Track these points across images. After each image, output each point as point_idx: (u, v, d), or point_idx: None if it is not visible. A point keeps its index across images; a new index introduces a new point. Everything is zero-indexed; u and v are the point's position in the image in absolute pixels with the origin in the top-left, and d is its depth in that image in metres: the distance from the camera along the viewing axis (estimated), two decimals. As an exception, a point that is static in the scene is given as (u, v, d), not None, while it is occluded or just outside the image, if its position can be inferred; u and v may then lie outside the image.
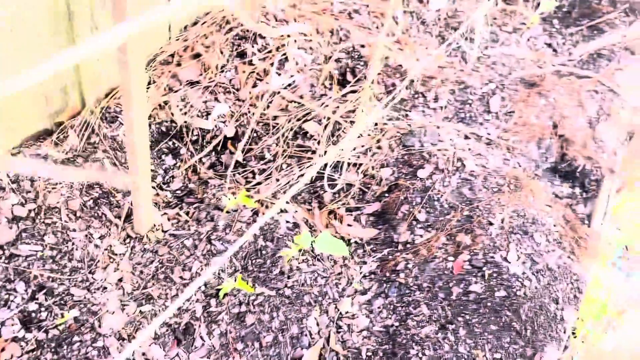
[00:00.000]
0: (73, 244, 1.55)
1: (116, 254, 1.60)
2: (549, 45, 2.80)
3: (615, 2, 2.91)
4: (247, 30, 2.15)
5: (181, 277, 1.58)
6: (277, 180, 1.93)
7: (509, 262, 1.62)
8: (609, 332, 2.03)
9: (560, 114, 2.13)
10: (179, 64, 2.06)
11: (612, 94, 2.47)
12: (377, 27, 2.59)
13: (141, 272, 1.58)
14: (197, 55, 2.08)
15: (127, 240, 1.64)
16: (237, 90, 2.07)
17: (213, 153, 2.00)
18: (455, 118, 2.07)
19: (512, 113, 2.09)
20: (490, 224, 1.71)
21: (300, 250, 1.67)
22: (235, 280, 1.54)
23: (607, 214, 2.09)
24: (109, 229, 1.64)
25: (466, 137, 2.02)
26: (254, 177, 1.96)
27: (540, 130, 2.09)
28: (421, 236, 1.76)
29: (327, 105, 2.06)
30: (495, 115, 2.08)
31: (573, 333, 1.89)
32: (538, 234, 1.72)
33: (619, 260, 2.47)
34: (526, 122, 2.07)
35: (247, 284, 1.56)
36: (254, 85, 2.09)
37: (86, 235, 1.59)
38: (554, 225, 1.81)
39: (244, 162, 1.99)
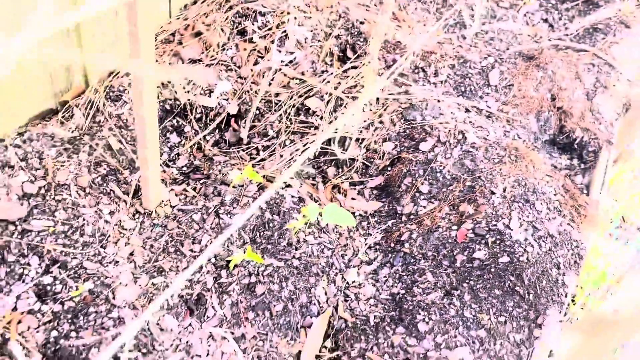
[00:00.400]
0: (84, 219, 1.57)
1: (126, 229, 1.62)
2: (545, 20, 2.82)
3: (611, -24, 2.92)
4: (248, 8, 2.16)
5: (191, 250, 1.61)
6: (281, 156, 1.96)
7: (512, 230, 1.66)
8: (608, 298, 2.09)
9: (558, 86, 2.16)
10: (180, 43, 2.07)
11: (608, 67, 2.50)
12: (375, 5, 2.60)
13: (151, 246, 1.61)
14: (198, 34, 2.09)
15: (137, 216, 1.67)
16: (239, 67, 2.08)
17: (217, 130, 2.02)
18: (455, 92, 2.09)
19: (511, 86, 2.11)
20: (493, 193, 1.75)
21: (306, 223, 1.70)
22: (244, 252, 1.57)
23: (604, 184, 2.13)
24: (118, 205, 1.66)
25: (467, 111, 2.05)
26: (258, 154, 1.98)
27: (539, 102, 2.12)
28: (424, 207, 1.80)
29: (328, 82, 2.08)
30: (494, 88, 2.10)
31: (572, 300, 1.94)
32: (539, 202, 1.76)
33: (617, 230, 2.52)
34: (525, 95, 2.09)
35: (257, 255, 1.59)
36: (256, 63, 2.11)
37: (96, 211, 1.61)
38: (554, 194, 1.85)
39: (248, 139, 2.02)
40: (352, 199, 1.92)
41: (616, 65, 2.50)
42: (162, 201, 1.70)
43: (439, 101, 2.04)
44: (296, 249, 1.67)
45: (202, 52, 2.07)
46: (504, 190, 1.77)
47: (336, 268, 1.70)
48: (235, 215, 1.68)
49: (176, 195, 1.75)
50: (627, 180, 2.54)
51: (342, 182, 1.96)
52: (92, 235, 1.57)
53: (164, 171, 1.83)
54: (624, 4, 2.82)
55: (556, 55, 2.26)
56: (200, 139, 1.97)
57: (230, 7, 2.18)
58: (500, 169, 1.81)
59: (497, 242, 1.64)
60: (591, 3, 2.87)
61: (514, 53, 2.25)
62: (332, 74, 2.10)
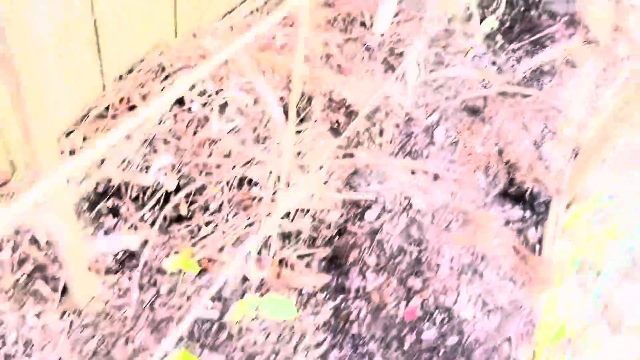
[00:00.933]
0: (5, 327, 1.47)
1: (53, 332, 1.52)
2: (494, 63, 2.82)
3: (555, 15, 2.95)
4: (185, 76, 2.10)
5: (124, 353, 1.51)
6: (224, 232, 1.88)
7: (460, 306, 1.61)
8: (568, 353, 2.05)
9: (504, 139, 2.14)
10: (114, 117, 1.99)
11: (556, 111, 2.50)
12: (321, 58, 2.56)
13: (81, 350, 1.51)
14: (132, 107, 2.01)
15: (65, 316, 1.57)
16: (178, 139, 2.01)
17: (156, 208, 1.94)
18: (401, 153, 2.05)
19: (456, 143, 2.09)
20: (440, 265, 1.70)
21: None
22: (180, 351, 1.49)
23: (556, 237, 2.10)
24: (45, 305, 1.56)
25: (413, 173, 2.01)
26: (199, 231, 1.91)
27: (486, 158, 2.10)
28: (373, 281, 1.74)
29: (270, 149, 2.02)
30: (440, 146, 2.07)
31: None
32: (488, 271, 1.72)
33: (576, 276, 2.50)
34: (471, 152, 2.07)
35: (193, 351, 1.51)
36: (195, 133, 2.04)
37: (20, 316, 1.51)
38: (504, 259, 1.81)
39: (189, 215, 1.94)
40: (300, 273, 1.85)
41: (563, 109, 2.51)
42: (93, 297, 1.61)
43: (384, 164, 2.00)
44: (238, 339, 1.59)
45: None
46: (452, 260, 1.72)
47: (282, 355, 1.62)
48: (172, 308, 1.59)
49: (109, 288, 1.65)
50: (583, 224, 2.53)
51: (289, 256, 1.89)
52: (15, 343, 1.46)
53: (97, 260, 1.74)
54: (570, 42, 2.84)
55: (502, 106, 2.25)
56: (138, 220, 1.88)
57: (167, 76, 2.11)
58: (447, 237, 1.76)
59: (446, 320, 1.59)
60: (538, 43, 2.88)
61: (460, 106, 2.23)
62: (273, 141, 2.04)
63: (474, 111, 2.19)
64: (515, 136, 2.18)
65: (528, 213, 2.16)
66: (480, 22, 3.01)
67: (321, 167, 1.99)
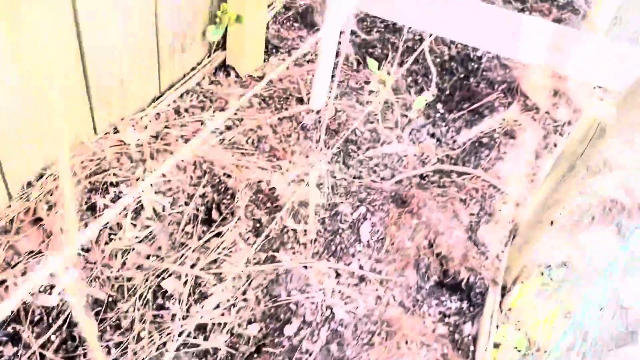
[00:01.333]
0: None
1: None
2: (433, 135, 2.78)
3: (493, 83, 2.93)
4: (97, 181, 2.00)
5: None
6: (135, 354, 1.76)
7: None
8: None
9: (434, 231, 2.07)
10: (18, 232, 1.88)
11: (492, 189, 2.44)
12: (252, 142, 2.49)
13: None
14: (38, 220, 1.91)
15: None
16: (87, 251, 1.90)
17: (64, 328, 1.81)
18: (326, 252, 1.96)
19: (383, 239, 2.00)
20: (358, 389, 1.60)
21: None
22: None
23: (492, 333, 2.02)
24: None
25: (337, 275, 1.91)
26: (109, 353, 1.78)
27: (416, 252, 2.02)
28: (290, 406, 1.62)
29: (186, 257, 1.91)
30: (366, 244, 1.99)
31: None
32: (411, 390, 1.62)
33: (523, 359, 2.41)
34: (399, 248, 1.98)
35: None
36: (107, 243, 1.93)
37: None
38: (431, 371, 1.71)
39: (99, 334, 1.81)
40: (217, 394, 1.73)
41: (501, 186, 2.45)
42: None
43: (306, 267, 1.90)
44: None
45: (43, 241, 1.88)
46: (372, 382, 1.62)
47: None
48: None
49: None
50: (528, 303, 2.45)
51: (206, 376, 1.77)
52: None
53: (-12, 402, 1.60)
54: (508, 111, 2.81)
55: (433, 192, 2.18)
56: (41, 345, 1.76)
57: (79, 182, 2.01)
58: (369, 354, 1.66)
59: None
60: (477, 112, 2.85)
61: (389, 195, 2.16)
62: (190, 247, 1.94)
63: (402, 202, 2.12)
64: (445, 227, 2.11)
65: (465, 304, 2.08)
66: (421, 89, 2.98)
67: (239, 276, 1.89)
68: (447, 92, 2.99)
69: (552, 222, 2.76)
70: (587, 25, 3.50)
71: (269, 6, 3.19)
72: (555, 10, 3.59)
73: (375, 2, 2.44)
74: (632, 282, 2.61)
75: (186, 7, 2.39)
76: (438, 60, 3.11)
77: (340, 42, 2.59)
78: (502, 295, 2.37)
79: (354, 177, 2.41)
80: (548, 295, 2.45)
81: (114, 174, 2.02)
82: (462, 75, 3.02)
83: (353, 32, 3.23)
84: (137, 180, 2.04)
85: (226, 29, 2.68)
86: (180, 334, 1.77)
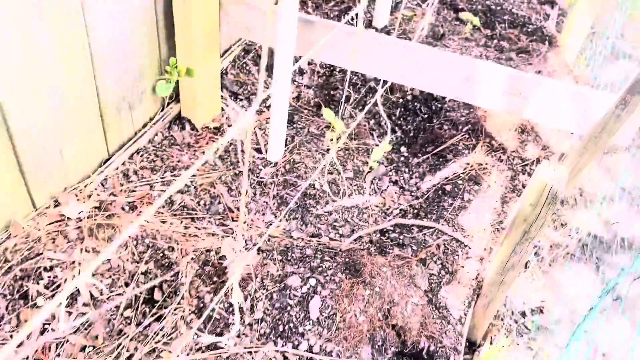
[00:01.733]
0: None
1: None
2: (395, 182, 2.67)
3: (457, 125, 2.83)
4: (29, 268, 1.90)
5: None
6: None
7: None
8: None
9: (389, 301, 1.96)
10: (-57, 330, 1.78)
11: (455, 243, 2.34)
12: (205, 204, 2.39)
13: None
14: (-36, 316, 1.80)
15: None
16: (19, 346, 1.80)
17: None
18: (273, 333, 1.86)
19: (334, 315, 1.90)
20: None
21: None
22: None
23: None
24: None
25: (285, 359, 1.81)
26: None
27: (370, 325, 1.91)
28: None
29: (123, 347, 1.81)
30: (316, 321, 1.88)
31: None
32: None
33: None
34: (352, 323, 1.88)
35: None
36: (42, 333, 1.83)
37: None
38: None
39: None
40: None
41: (464, 240, 2.34)
42: None
43: (251, 353, 1.80)
44: None
45: (-31, 339, 1.77)
46: None
47: None
48: None
49: None
50: (501, 358, 2.34)
51: None
52: None
53: None
54: (473, 155, 2.71)
55: (386, 262, 2.07)
56: None
57: (10, 268, 1.91)
58: None
59: None
60: (441, 156, 2.74)
61: (342, 264, 2.05)
62: (127, 336, 1.83)
63: (356, 270, 2.01)
64: (401, 295, 2.00)
65: (426, 375, 1.97)
66: (383, 133, 2.88)
67: (178, 367, 1.78)
68: (411, 134, 2.89)
69: (526, 265, 2.65)
70: (556, 51, 3.40)
71: (226, 51, 3.10)
72: (524, 37, 3.49)
73: (327, 50, 2.34)
74: (611, 328, 2.50)
75: (130, 65, 2.30)
76: (401, 100, 3.02)
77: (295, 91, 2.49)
78: (473, 352, 2.26)
79: (312, 236, 2.31)
80: (523, 345, 2.33)
81: (49, 258, 1.92)
82: (425, 116, 2.92)
83: (314, 72, 3.14)
84: (72, 263, 1.94)
85: (177, 81, 2.59)
86: None
